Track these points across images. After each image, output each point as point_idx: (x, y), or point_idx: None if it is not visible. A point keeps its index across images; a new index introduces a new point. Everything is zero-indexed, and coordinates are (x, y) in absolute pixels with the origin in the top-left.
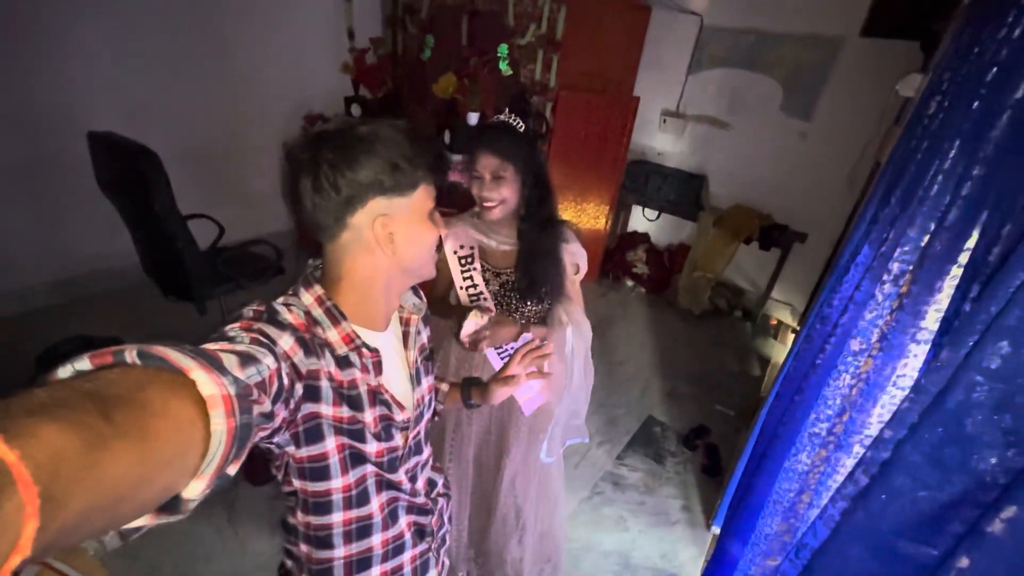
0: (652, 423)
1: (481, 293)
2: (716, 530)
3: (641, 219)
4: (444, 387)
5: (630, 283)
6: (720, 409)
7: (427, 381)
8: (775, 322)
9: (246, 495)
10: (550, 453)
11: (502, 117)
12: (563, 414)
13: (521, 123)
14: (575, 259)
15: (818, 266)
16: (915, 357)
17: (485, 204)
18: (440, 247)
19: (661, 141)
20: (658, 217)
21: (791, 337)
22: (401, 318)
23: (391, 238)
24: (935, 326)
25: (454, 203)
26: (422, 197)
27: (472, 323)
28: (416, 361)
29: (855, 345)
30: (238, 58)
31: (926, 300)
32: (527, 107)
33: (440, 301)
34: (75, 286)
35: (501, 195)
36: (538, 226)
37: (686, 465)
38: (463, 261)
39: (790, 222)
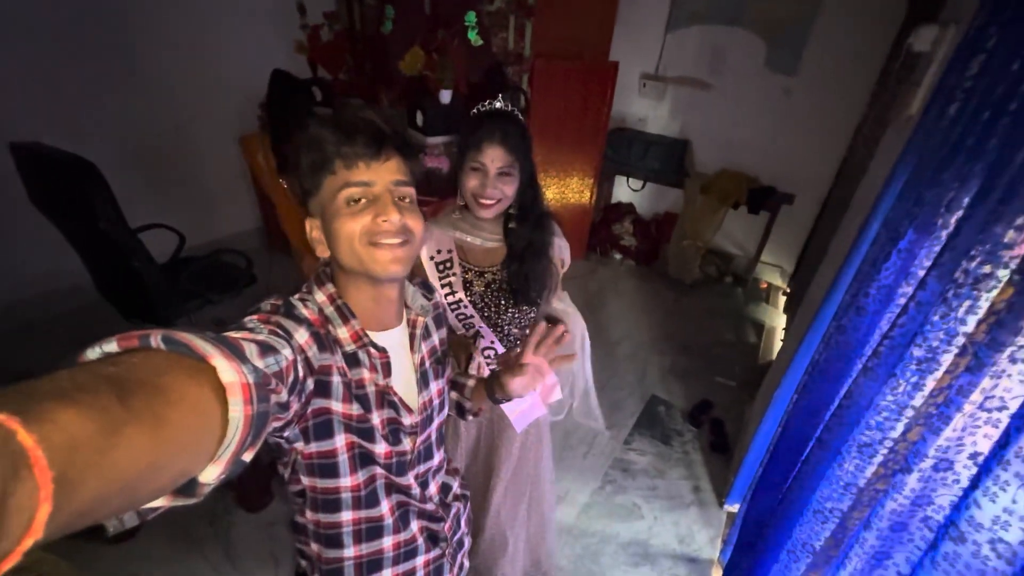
0: (656, 403)
1: (461, 301)
2: (729, 508)
3: (625, 189)
4: (471, 383)
5: (618, 256)
6: (721, 381)
7: (436, 385)
8: (765, 286)
9: (242, 523)
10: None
11: (499, 104)
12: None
13: (521, 112)
14: (561, 253)
15: (806, 225)
16: (1008, 377)
17: (483, 202)
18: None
19: (641, 106)
20: (643, 187)
21: (782, 299)
22: (408, 319)
23: (320, 239)
24: None
25: (432, 191)
26: (331, 187)
27: (476, 363)
28: (423, 364)
29: (917, 352)
30: (178, 46)
31: None
32: (504, 80)
33: None
34: (23, 311)
35: (503, 192)
36: (532, 225)
37: (693, 443)
38: (440, 267)
39: (777, 183)
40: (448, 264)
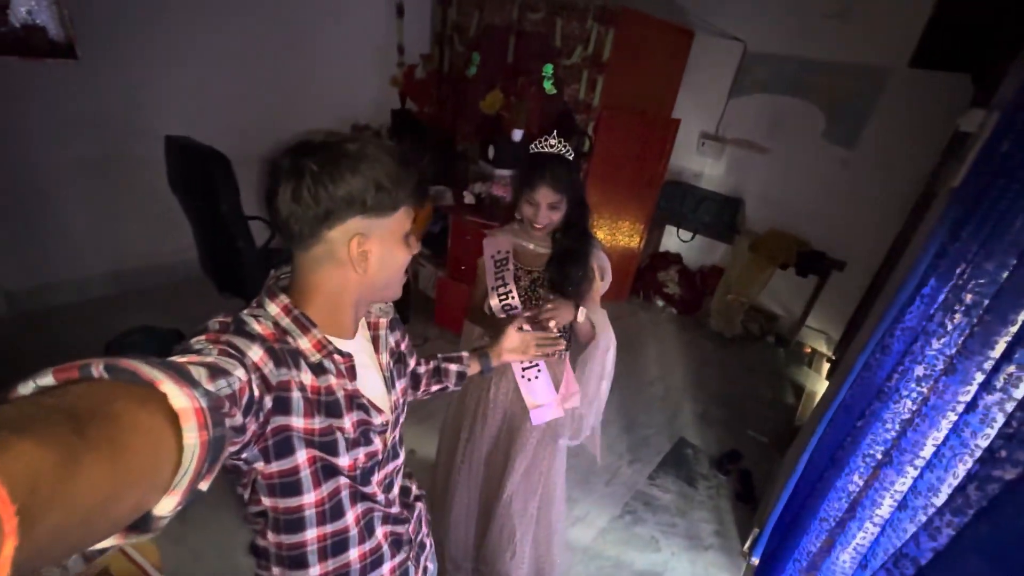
0: (684, 445)
1: (510, 291)
2: (755, 561)
3: (674, 239)
4: (465, 354)
5: (660, 303)
6: (753, 435)
7: (400, 384)
8: (809, 350)
9: None
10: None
11: (552, 143)
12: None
13: (571, 150)
14: (600, 262)
15: (856, 295)
16: (977, 385)
17: (536, 226)
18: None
19: (698, 163)
20: (692, 238)
21: (826, 366)
22: (369, 323)
23: (365, 256)
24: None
25: (495, 217)
26: (401, 219)
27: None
28: (388, 364)
29: (919, 371)
30: (295, 69)
31: (998, 331)
32: (573, 126)
33: (477, 309)
34: (128, 278)
35: (552, 219)
36: (574, 237)
37: (719, 489)
38: (498, 264)
39: (828, 249)
40: (504, 262)
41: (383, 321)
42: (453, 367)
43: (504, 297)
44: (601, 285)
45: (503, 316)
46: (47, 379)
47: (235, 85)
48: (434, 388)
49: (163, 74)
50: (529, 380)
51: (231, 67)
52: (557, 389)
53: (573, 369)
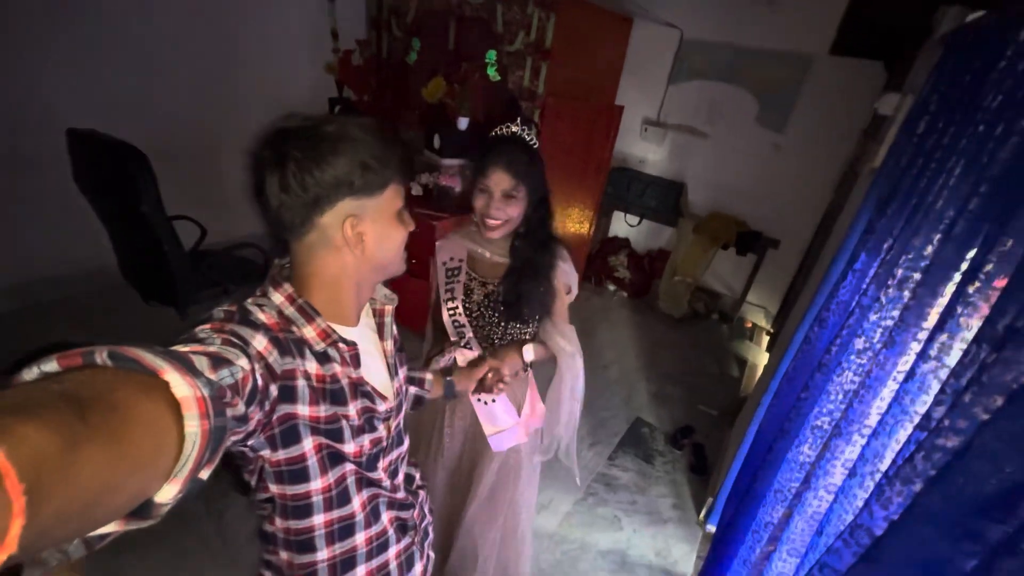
0: (640, 424)
1: (457, 308)
2: (711, 528)
3: (623, 224)
4: (429, 376)
5: (612, 287)
6: (703, 409)
7: (402, 372)
8: (749, 325)
9: (236, 505)
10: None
11: (515, 129)
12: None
13: (535, 139)
14: (567, 279)
15: (790, 271)
16: (915, 355)
17: (489, 222)
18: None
19: (642, 149)
20: (639, 223)
21: (766, 339)
22: (374, 310)
23: (360, 238)
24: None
25: (444, 208)
26: (391, 196)
27: (449, 357)
28: (392, 352)
29: (859, 344)
30: (218, 55)
31: (930, 303)
32: (520, 113)
33: (438, 308)
34: (35, 291)
35: (508, 214)
36: (535, 245)
37: (674, 464)
38: (449, 273)
39: (764, 229)
40: (456, 272)
41: (389, 308)
42: (412, 389)
43: (452, 314)
44: (567, 298)
45: (454, 338)
46: (51, 365)
47: (151, 73)
48: None
49: (64, 61)
50: (485, 404)
51: (145, 53)
52: (520, 411)
53: (539, 391)
